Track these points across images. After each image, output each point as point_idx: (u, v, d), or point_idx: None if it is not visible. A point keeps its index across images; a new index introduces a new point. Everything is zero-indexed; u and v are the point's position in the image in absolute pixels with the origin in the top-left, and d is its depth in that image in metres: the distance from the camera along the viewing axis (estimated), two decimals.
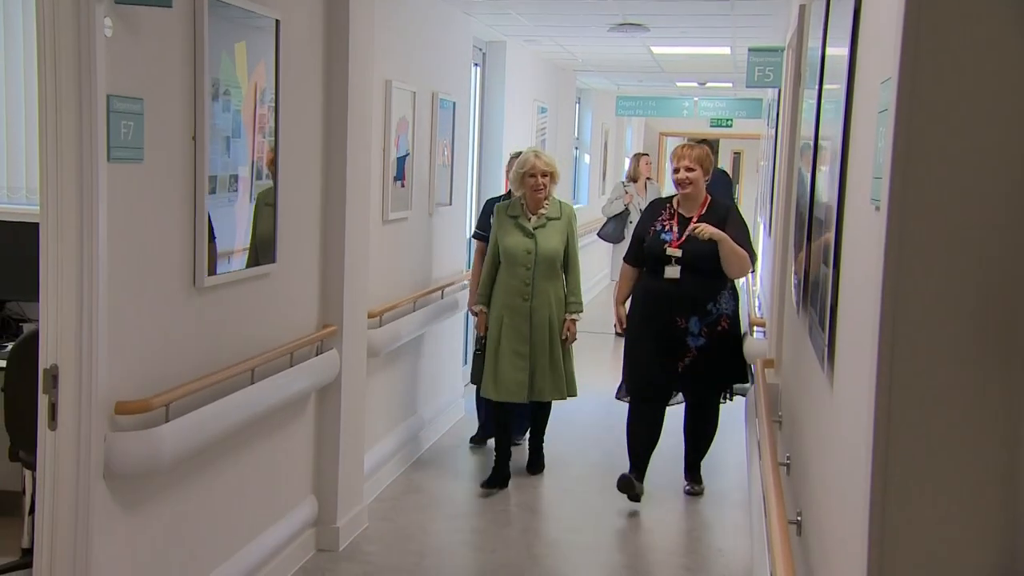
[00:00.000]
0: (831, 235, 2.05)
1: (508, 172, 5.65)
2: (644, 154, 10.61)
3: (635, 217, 8.97)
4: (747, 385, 5.29)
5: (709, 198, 5.09)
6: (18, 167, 4.74)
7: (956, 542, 1.26)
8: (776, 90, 6.44)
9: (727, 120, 13.40)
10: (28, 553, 3.80)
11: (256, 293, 3.81)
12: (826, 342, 2.02)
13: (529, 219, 5.15)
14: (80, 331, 2.81)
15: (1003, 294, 1.25)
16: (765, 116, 10.02)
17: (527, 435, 5.78)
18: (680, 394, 5.27)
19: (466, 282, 6.34)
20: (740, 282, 5.53)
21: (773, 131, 6.88)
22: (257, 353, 3.74)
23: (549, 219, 5.17)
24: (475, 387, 5.82)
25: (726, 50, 8.68)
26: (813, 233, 2.55)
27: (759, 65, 5.76)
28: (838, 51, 2.28)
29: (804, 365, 2.59)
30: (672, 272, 4.93)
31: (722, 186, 10.37)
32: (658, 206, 5.24)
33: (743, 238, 5.00)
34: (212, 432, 3.38)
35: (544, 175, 5.10)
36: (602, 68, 11.03)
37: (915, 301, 1.27)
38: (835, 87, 2.32)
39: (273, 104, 3.82)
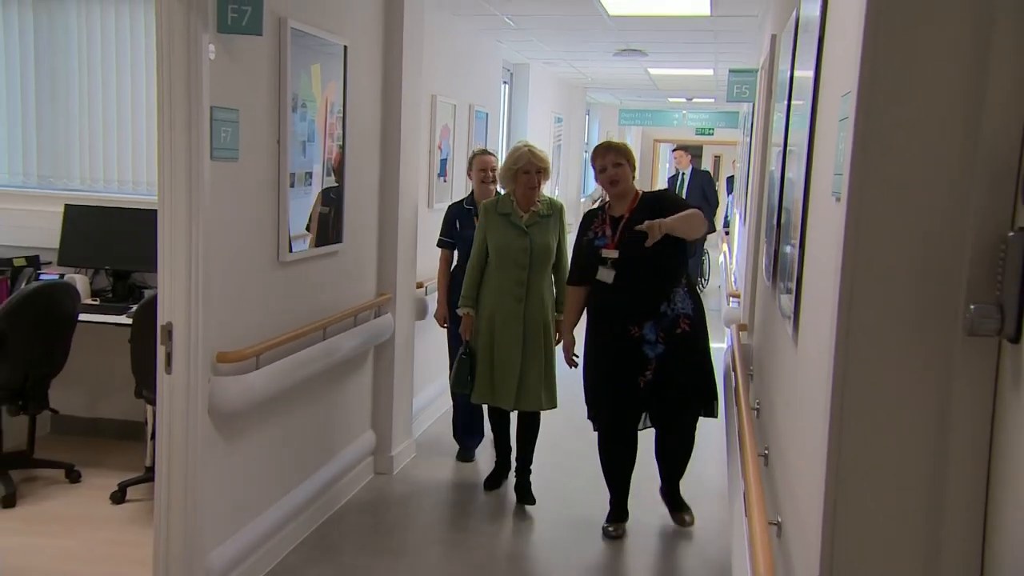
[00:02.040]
0: (798, 222, 2.03)
1: (469, 172, 4.62)
2: None
3: None
4: (716, 404, 3.75)
5: (639, 193, 3.72)
6: (140, 165, 4.77)
7: (897, 464, 1.26)
8: (750, 104, 6.36)
9: (710, 129, 13.27)
10: (150, 470, 3.86)
11: (327, 267, 3.83)
12: (792, 308, 2.01)
13: (521, 216, 3.96)
14: (189, 296, 2.84)
15: (940, 268, 1.24)
16: (741, 126, 9.91)
17: (478, 446, 4.76)
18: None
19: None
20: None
21: (748, 138, 6.81)
22: (328, 315, 3.76)
23: (541, 216, 3.98)
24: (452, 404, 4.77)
25: (710, 71, 8.59)
26: (782, 220, 2.53)
27: (737, 83, 5.68)
28: (804, 72, 2.24)
29: (773, 328, 2.58)
30: (604, 275, 3.60)
31: (705, 183, 10.18)
32: (590, 217, 3.80)
33: (683, 204, 3.72)
34: (292, 378, 3.41)
35: (538, 171, 3.95)
36: (607, 86, 10.93)
37: (868, 274, 1.26)
38: (801, 102, 2.29)
39: (341, 115, 3.81)
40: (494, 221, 4.00)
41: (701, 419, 3.78)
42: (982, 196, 1.23)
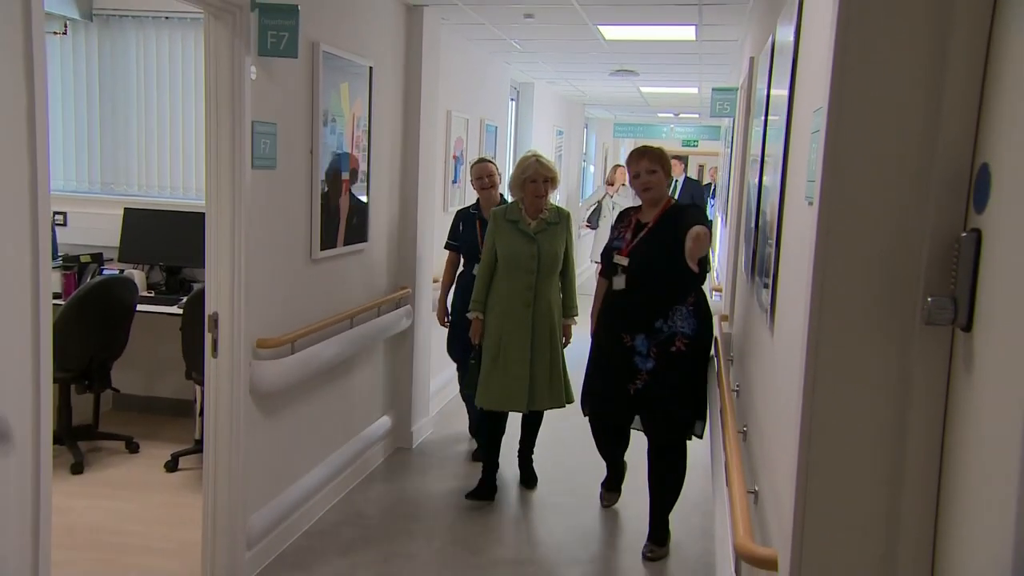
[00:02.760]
0: (774, 224, 2.02)
1: (473, 181, 4.25)
2: (620, 165, 10.33)
3: (607, 212, 8.73)
4: (702, 424, 3.27)
5: (671, 202, 3.32)
6: (189, 173, 4.78)
7: (861, 438, 1.26)
8: (731, 119, 6.33)
9: (695, 141, 13.23)
10: (198, 442, 3.88)
11: (353, 264, 3.83)
12: (769, 301, 2.00)
13: (529, 224, 3.66)
14: (232, 288, 2.85)
15: (901, 264, 1.23)
16: (722, 138, 9.86)
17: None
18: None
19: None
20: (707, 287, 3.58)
21: (728, 149, 6.77)
22: (354, 306, 3.77)
23: (548, 224, 3.67)
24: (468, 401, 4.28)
25: (695, 90, 8.55)
26: (760, 223, 2.51)
27: (719, 100, 5.65)
28: (780, 91, 2.23)
29: (751, 318, 2.57)
30: (618, 282, 3.24)
31: (695, 191, 10.05)
32: (623, 216, 3.44)
33: (703, 219, 3.18)
34: (323, 362, 3.42)
35: (546, 180, 3.65)
36: (603, 102, 10.89)
37: (836, 270, 1.25)
38: (777, 117, 2.28)
39: (366, 128, 3.81)
40: (503, 228, 3.68)
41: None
42: (938, 200, 1.22)
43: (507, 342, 3.64)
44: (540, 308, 3.64)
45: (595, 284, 3.70)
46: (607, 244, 3.39)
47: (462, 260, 4.26)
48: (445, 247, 4.34)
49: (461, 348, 4.10)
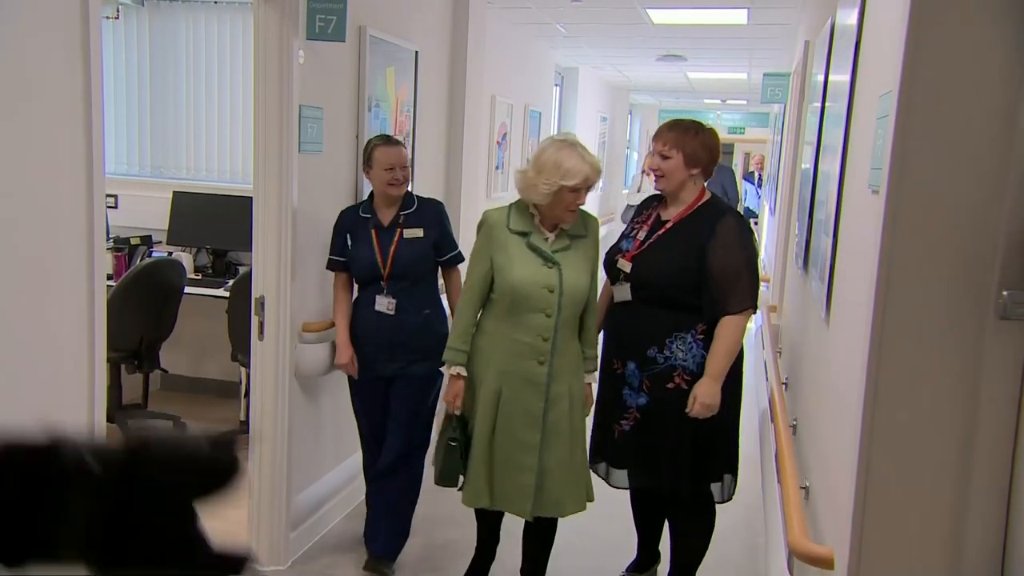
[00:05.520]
0: (832, 214, 1.97)
1: (379, 171, 2.78)
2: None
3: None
4: (732, 480, 2.54)
5: (704, 199, 2.47)
6: (237, 157, 4.85)
7: (927, 436, 1.22)
8: (782, 105, 6.18)
9: (741, 128, 12.99)
10: (244, 423, 3.95)
11: None
12: (825, 292, 1.95)
13: (547, 238, 2.42)
14: (279, 273, 2.87)
15: (975, 256, 1.19)
16: (771, 125, 9.64)
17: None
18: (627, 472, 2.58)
19: None
20: None
21: (779, 137, 6.63)
22: None
23: (572, 237, 2.44)
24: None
25: (743, 75, 8.39)
26: (815, 212, 2.45)
27: (771, 86, 5.51)
28: (840, 76, 2.17)
29: (803, 309, 2.51)
30: (620, 293, 2.48)
31: (726, 180, 9.62)
32: (646, 204, 2.62)
33: (733, 265, 2.35)
34: None
35: (589, 188, 2.40)
36: (649, 88, 10.75)
37: (904, 261, 1.21)
38: (835, 103, 2.21)
39: (411, 113, 3.81)
40: (506, 243, 2.42)
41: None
42: (1016, 188, 1.17)
43: (509, 414, 2.43)
44: (560, 367, 2.43)
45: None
46: (617, 240, 2.59)
47: (355, 284, 2.92)
48: (329, 266, 2.92)
49: (379, 414, 2.89)
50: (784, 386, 2.71)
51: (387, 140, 2.88)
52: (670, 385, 2.39)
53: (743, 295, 2.34)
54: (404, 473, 2.92)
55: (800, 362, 2.52)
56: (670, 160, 2.44)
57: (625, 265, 2.46)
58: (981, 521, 1.18)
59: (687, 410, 2.34)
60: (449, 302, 2.98)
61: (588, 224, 2.48)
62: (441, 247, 2.88)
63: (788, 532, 1.54)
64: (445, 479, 2.56)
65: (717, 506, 2.56)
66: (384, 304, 2.81)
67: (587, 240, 2.45)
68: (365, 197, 3.00)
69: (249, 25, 2.78)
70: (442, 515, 3.31)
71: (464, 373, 2.47)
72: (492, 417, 2.45)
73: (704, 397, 2.32)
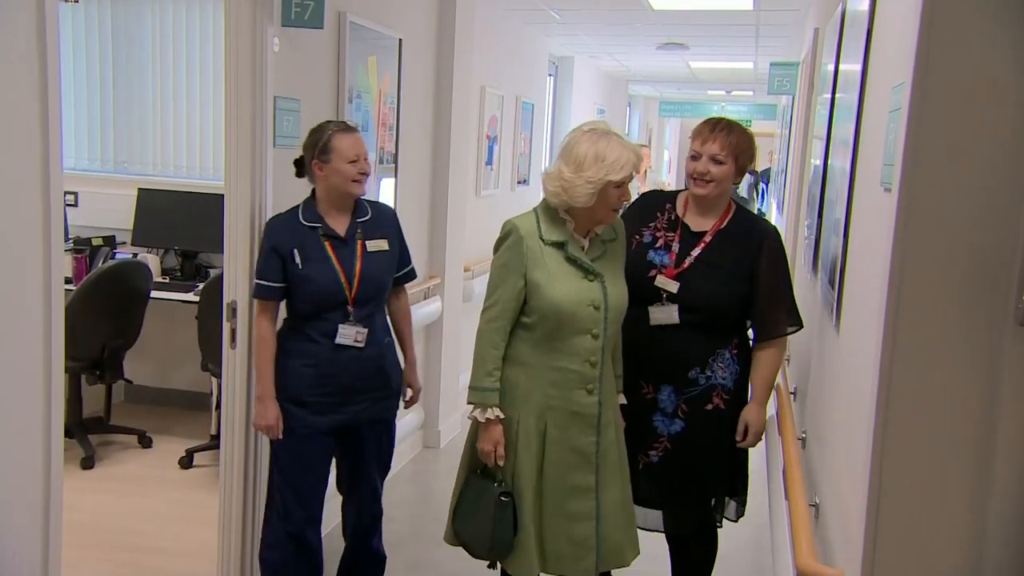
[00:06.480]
0: (842, 214, 1.98)
1: (316, 163, 2.48)
2: (644, 145, 10.03)
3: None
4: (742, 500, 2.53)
5: (734, 207, 2.42)
6: (207, 152, 4.84)
7: (943, 449, 1.23)
8: (790, 97, 6.21)
9: (748, 121, 13.02)
10: (215, 438, 3.94)
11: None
12: (835, 296, 1.96)
13: (583, 246, 2.24)
14: (252, 276, 2.85)
15: (992, 258, 1.19)
16: (779, 118, 9.70)
17: None
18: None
19: None
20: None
21: (787, 130, 6.66)
22: None
23: (604, 242, 2.27)
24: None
25: (749, 65, 8.43)
26: (824, 211, 2.46)
27: (778, 76, 5.55)
28: (851, 66, 2.18)
29: (812, 314, 2.52)
30: (663, 314, 2.34)
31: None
32: (652, 203, 2.49)
33: (782, 285, 2.38)
34: None
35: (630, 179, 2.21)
36: (649, 79, 10.79)
37: (918, 263, 1.22)
38: (846, 95, 2.22)
39: (395, 105, 3.81)
40: (542, 256, 2.20)
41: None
42: None
43: (556, 456, 2.24)
44: (607, 393, 2.27)
45: None
46: (634, 250, 2.40)
47: (295, 314, 2.52)
48: (259, 294, 2.53)
49: (325, 475, 2.61)
50: (792, 396, 2.72)
51: (345, 127, 2.51)
52: (708, 407, 2.35)
53: (794, 315, 2.39)
54: (378, 538, 2.84)
55: (809, 371, 2.53)
56: (724, 166, 2.34)
57: (669, 284, 2.34)
58: (1001, 543, 1.18)
59: (738, 439, 2.36)
60: (395, 327, 2.66)
61: (616, 226, 2.31)
62: (400, 261, 2.64)
63: (796, 553, 1.55)
64: (500, 550, 2.23)
65: (726, 524, 2.58)
66: (351, 335, 2.41)
67: (617, 243, 2.30)
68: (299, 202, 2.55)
69: (220, 9, 2.77)
70: None
71: (502, 415, 2.21)
72: (538, 463, 2.23)
73: (757, 426, 2.34)
